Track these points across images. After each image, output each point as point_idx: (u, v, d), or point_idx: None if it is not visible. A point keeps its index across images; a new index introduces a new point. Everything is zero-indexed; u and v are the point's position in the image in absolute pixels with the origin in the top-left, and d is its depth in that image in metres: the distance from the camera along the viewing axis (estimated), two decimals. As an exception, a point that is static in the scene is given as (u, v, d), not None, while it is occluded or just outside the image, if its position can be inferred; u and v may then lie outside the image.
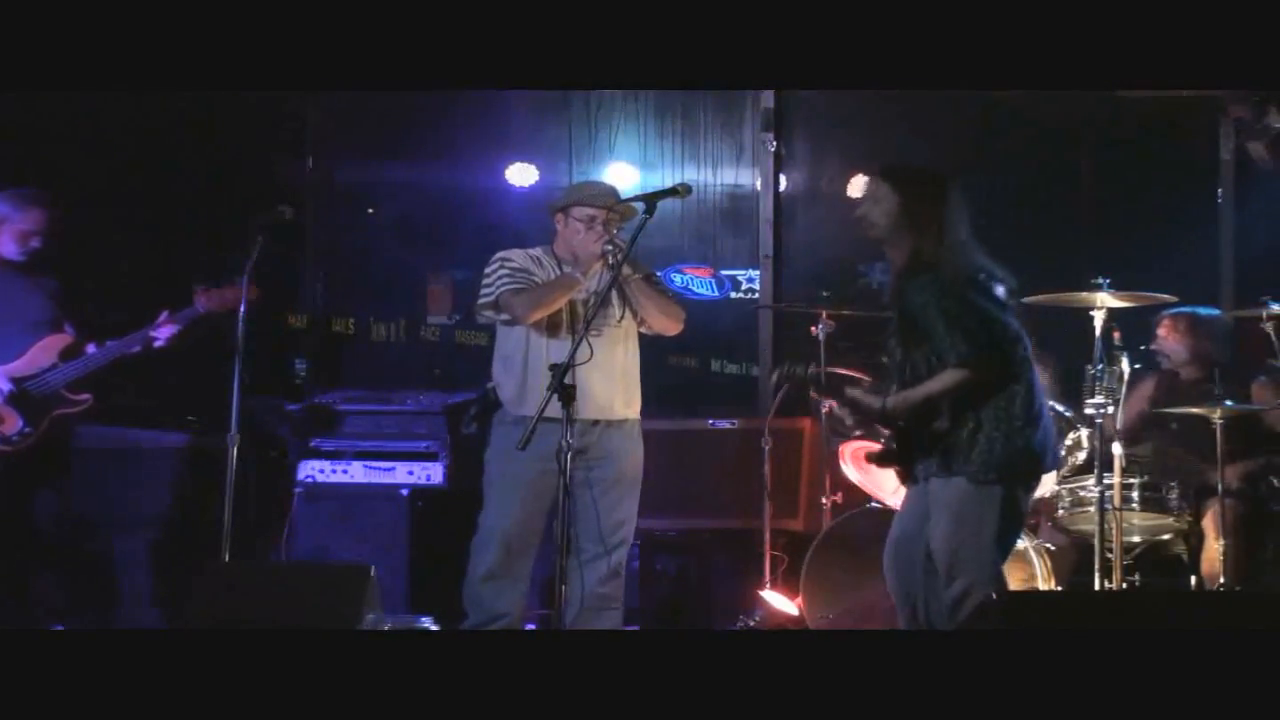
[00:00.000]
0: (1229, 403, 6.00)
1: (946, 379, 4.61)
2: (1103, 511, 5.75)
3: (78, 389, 5.95)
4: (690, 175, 7.80)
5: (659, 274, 6.05)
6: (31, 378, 5.88)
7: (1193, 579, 6.20)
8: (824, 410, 6.22)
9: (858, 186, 4.83)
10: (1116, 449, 5.84)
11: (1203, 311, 6.48)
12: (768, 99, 7.81)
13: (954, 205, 4.79)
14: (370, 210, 8.22)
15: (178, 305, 6.03)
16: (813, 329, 6.55)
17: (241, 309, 5.79)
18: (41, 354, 5.91)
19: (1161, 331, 6.50)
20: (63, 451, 6.02)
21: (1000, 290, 4.72)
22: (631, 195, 5.87)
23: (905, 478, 4.88)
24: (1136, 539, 6.24)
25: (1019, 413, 4.66)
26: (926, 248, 4.70)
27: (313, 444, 6.59)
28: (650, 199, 5.06)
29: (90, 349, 5.97)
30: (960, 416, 4.63)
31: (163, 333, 5.96)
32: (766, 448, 6.47)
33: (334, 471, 6.54)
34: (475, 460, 5.94)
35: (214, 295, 5.95)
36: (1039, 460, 4.75)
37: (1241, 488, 6.22)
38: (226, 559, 5.69)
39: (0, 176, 6.20)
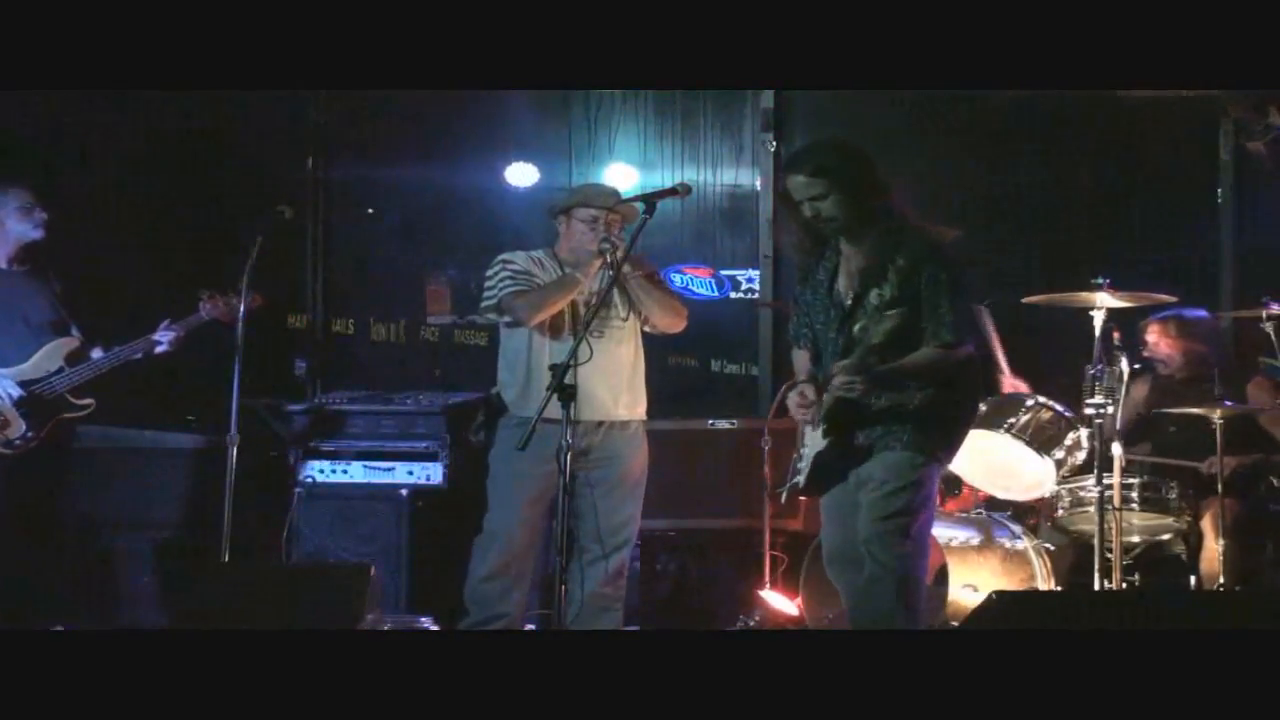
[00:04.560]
0: (1228, 403, 6.01)
1: (930, 355, 4.57)
2: (1102, 511, 5.75)
3: (81, 394, 5.94)
4: (690, 175, 7.79)
5: (660, 273, 6.05)
6: (38, 381, 5.87)
7: (1192, 579, 6.19)
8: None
9: (796, 189, 4.66)
10: (1116, 449, 5.84)
11: (1189, 313, 6.45)
12: (767, 99, 7.80)
13: (875, 163, 4.73)
14: (370, 210, 8.22)
15: (179, 309, 6.03)
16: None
17: (241, 311, 5.80)
18: (48, 358, 5.90)
19: (1151, 338, 6.46)
20: (65, 455, 6.02)
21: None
22: (631, 195, 5.89)
23: (815, 489, 4.81)
24: (1136, 539, 6.24)
25: (963, 395, 4.70)
26: (891, 214, 4.64)
27: (313, 444, 6.59)
28: (650, 199, 5.07)
29: (95, 354, 5.96)
30: (908, 390, 4.61)
31: (165, 338, 5.95)
32: (766, 448, 6.47)
33: (334, 471, 6.54)
34: (475, 460, 5.95)
35: (219, 303, 5.95)
36: (954, 445, 4.75)
37: (1240, 487, 6.21)
38: (226, 559, 5.69)
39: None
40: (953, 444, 4.74)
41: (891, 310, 4.47)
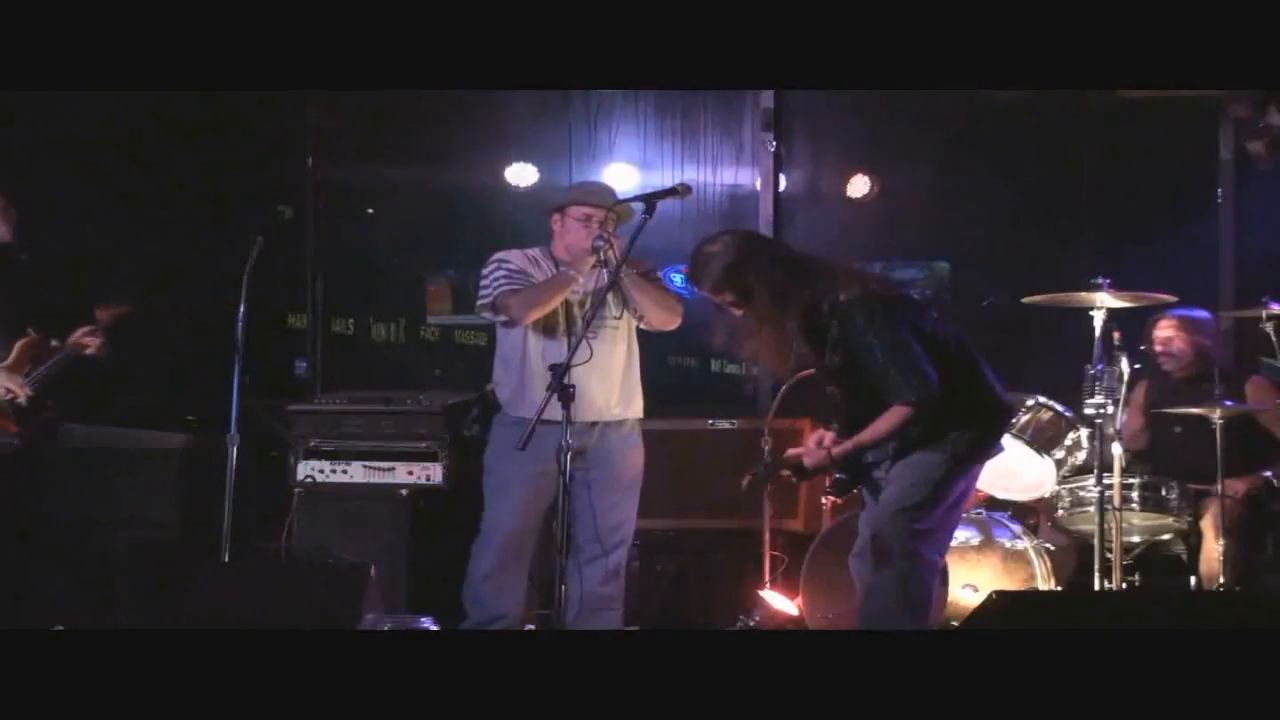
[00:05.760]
0: (1228, 403, 6.01)
1: (893, 419, 4.57)
2: (1103, 511, 5.75)
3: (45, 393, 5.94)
4: (690, 175, 7.78)
5: (659, 273, 6.04)
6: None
7: (1192, 579, 6.19)
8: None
9: (716, 300, 4.73)
10: (1116, 449, 5.84)
11: (1195, 313, 6.46)
12: (767, 99, 7.80)
13: (772, 242, 4.78)
14: (370, 210, 8.22)
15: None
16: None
17: (241, 310, 5.80)
18: (22, 357, 5.90)
19: (1165, 333, 6.44)
20: (48, 454, 6.01)
21: (910, 289, 4.76)
22: (631, 195, 5.88)
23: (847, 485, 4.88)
24: (1136, 539, 6.24)
25: (964, 406, 4.66)
26: (809, 292, 4.64)
27: (313, 444, 6.58)
28: (650, 199, 5.07)
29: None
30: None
31: (93, 341, 5.96)
32: (766, 448, 6.47)
33: (334, 471, 6.52)
34: (475, 460, 5.95)
35: (109, 310, 6.07)
36: (981, 446, 4.72)
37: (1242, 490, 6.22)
38: (226, 559, 5.69)
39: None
40: (977, 442, 4.68)
41: (846, 376, 4.64)
